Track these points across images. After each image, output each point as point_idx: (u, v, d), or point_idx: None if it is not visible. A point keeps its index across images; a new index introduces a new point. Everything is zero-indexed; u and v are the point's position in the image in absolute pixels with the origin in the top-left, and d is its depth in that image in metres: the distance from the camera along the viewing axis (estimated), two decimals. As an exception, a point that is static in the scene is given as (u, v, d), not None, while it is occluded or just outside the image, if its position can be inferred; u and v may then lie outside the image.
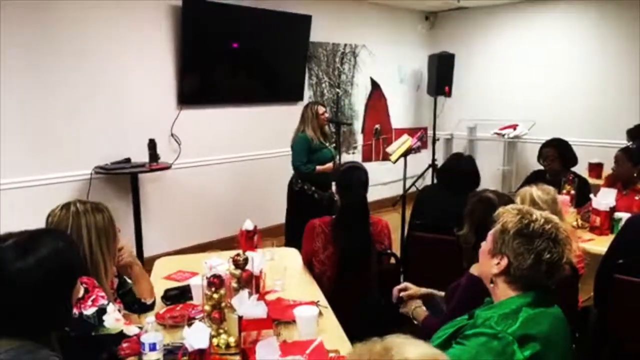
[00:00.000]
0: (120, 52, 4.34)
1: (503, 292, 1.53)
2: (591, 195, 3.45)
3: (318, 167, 4.21)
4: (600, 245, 2.96)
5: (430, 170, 6.71)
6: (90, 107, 4.22)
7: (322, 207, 3.86)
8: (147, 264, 3.20)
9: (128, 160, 4.33)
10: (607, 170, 4.56)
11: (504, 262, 1.52)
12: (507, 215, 1.56)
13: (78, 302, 1.65)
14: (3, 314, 1.26)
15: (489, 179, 6.04)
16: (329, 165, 4.23)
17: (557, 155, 3.88)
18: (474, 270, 1.94)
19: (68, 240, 1.43)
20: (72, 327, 1.60)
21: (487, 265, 1.57)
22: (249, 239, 2.65)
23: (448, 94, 6.63)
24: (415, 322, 2.26)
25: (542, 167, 4.02)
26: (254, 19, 5.05)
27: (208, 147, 5.06)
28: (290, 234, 4.24)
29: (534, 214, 1.54)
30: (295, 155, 4.26)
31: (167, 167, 4.48)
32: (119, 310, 1.89)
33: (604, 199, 3.30)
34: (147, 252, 4.21)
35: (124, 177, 4.31)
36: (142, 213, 4.38)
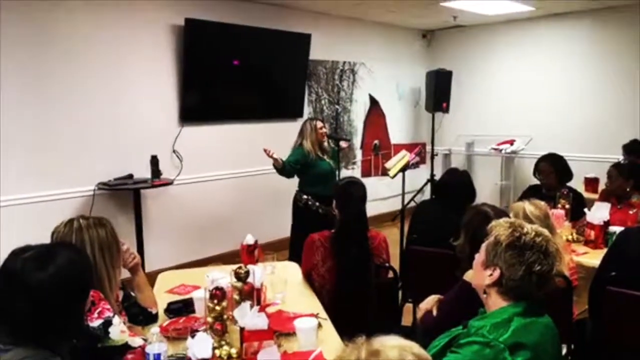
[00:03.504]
0: (124, 70, 4.44)
1: (496, 302, 1.59)
2: (585, 210, 3.49)
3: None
4: (594, 258, 2.99)
5: (428, 185, 6.77)
6: (93, 124, 4.30)
7: (328, 221, 3.90)
8: (150, 278, 3.21)
9: (131, 176, 4.40)
10: (602, 185, 4.60)
11: (497, 273, 1.57)
12: (499, 228, 1.62)
13: (85, 315, 1.70)
14: (21, 322, 1.31)
15: (487, 194, 6.10)
16: None
17: (553, 170, 3.93)
18: (468, 276, 1.99)
19: (81, 253, 1.49)
20: (79, 338, 1.65)
21: (481, 276, 1.63)
22: (250, 253, 2.72)
23: (446, 110, 6.71)
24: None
25: (538, 182, 4.07)
26: (254, 38, 5.15)
27: (209, 163, 5.13)
28: (296, 249, 4.27)
29: (525, 227, 1.60)
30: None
31: (169, 183, 4.55)
32: (124, 323, 1.94)
33: (598, 213, 3.34)
34: (149, 267, 4.25)
35: (126, 193, 4.37)
36: (145, 228, 4.44)
